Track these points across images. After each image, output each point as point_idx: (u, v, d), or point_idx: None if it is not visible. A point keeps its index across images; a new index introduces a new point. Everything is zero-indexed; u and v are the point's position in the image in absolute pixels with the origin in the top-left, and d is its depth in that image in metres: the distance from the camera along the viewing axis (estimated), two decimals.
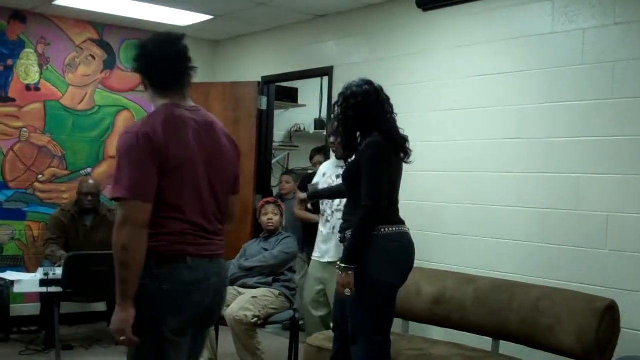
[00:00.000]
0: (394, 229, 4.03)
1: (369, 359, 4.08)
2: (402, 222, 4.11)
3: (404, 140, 4.17)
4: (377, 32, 6.38)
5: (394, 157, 4.12)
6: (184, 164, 2.99)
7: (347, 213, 4.19)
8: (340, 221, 4.36)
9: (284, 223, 6.41)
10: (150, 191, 2.91)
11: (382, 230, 3.96)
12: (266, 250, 5.92)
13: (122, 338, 2.98)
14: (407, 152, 4.17)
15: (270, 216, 6.02)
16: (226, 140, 3.26)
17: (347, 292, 3.91)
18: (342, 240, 4.20)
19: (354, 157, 4.18)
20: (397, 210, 4.12)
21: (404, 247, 4.10)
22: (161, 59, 3.13)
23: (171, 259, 3.00)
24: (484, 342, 4.89)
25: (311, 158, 7.95)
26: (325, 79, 7.08)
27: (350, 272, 3.90)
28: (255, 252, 5.97)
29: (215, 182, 3.14)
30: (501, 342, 4.77)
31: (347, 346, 4.18)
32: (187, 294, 3.03)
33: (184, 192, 3.01)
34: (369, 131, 4.08)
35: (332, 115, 4.35)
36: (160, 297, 2.97)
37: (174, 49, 3.16)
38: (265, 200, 6.24)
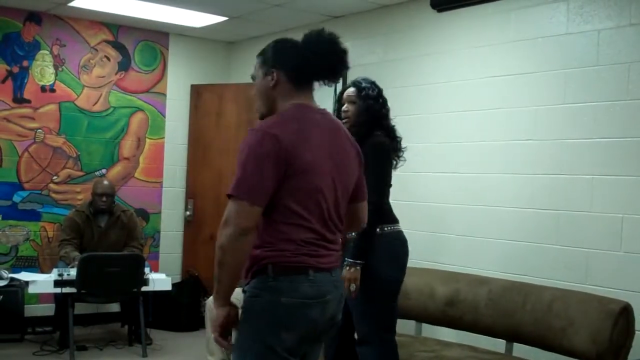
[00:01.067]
0: (394, 227, 4.25)
1: (382, 357, 4.13)
2: (398, 221, 4.31)
3: (400, 140, 4.39)
4: (392, 33, 6.37)
5: (393, 156, 4.33)
6: (311, 168, 2.80)
7: None
8: None
9: None
10: (262, 195, 2.72)
11: (385, 228, 4.16)
12: None
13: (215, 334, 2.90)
14: (401, 151, 4.41)
15: None
16: (350, 146, 3.08)
17: (353, 287, 4.02)
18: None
19: None
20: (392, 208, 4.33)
21: (404, 245, 4.31)
22: (315, 54, 2.92)
23: (291, 271, 2.79)
24: (498, 344, 4.88)
25: None
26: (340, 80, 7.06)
27: (357, 268, 4.05)
28: None
29: (338, 189, 2.94)
30: (514, 344, 4.75)
31: (345, 345, 4.28)
32: (306, 309, 2.80)
33: (307, 198, 2.81)
34: (371, 130, 4.21)
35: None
36: (276, 311, 2.77)
37: (331, 47, 2.95)
38: None
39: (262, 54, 3.03)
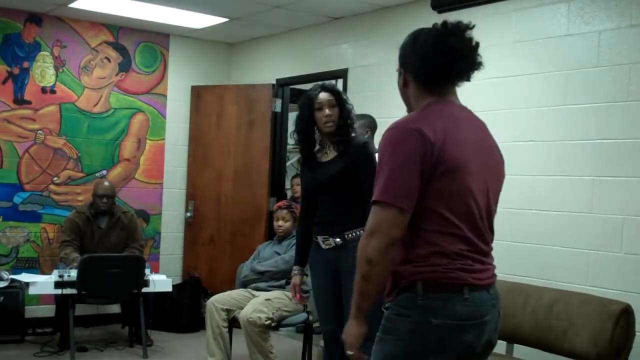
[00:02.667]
0: None
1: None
2: None
3: None
4: (392, 34, 6.36)
5: None
6: (459, 168, 2.51)
7: (341, 214, 4.28)
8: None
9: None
10: (411, 200, 2.44)
11: None
12: (278, 254, 5.93)
13: (351, 353, 2.64)
14: None
15: (281, 223, 6.00)
16: (496, 148, 2.80)
17: None
18: (342, 241, 4.29)
19: (333, 157, 4.45)
20: None
21: None
22: (441, 51, 2.61)
23: (444, 288, 2.49)
24: (498, 346, 4.83)
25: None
26: (340, 82, 7.07)
27: None
28: (268, 255, 5.99)
29: (491, 194, 2.66)
30: (515, 345, 4.75)
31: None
32: (459, 331, 2.49)
33: (458, 202, 2.52)
34: (350, 133, 4.47)
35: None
36: (426, 333, 2.47)
37: (459, 41, 2.63)
38: (278, 204, 6.21)
39: (400, 49, 2.79)
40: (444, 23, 2.67)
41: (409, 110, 2.75)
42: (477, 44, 2.64)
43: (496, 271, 2.74)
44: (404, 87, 2.74)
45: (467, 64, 2.65)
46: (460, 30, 2.64)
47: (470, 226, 2.55)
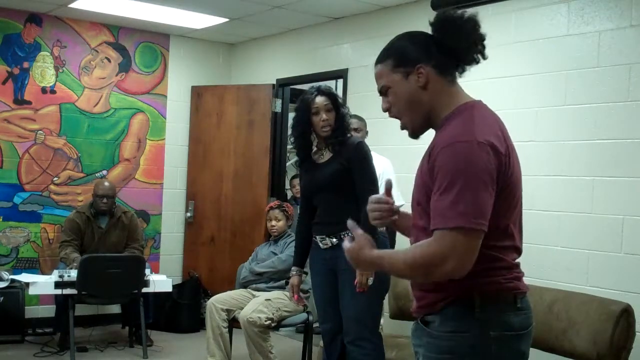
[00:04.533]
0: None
1: (377, 357, 4.27)
2: None
3: None
4: (392, 35, 6.30)
5: None
6: (518, 179, 2.39)
7: (337, 214, 4.32)
8: None
9: (291, 225, 6.38)
10: (487, 221, 2.23)
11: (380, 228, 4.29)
12: (275, 254, 5.94)
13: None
14: None
15: (274, 222, 6.03)
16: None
17: (371, 280, 4.15)
18: (338, 240, 4.33)
19: (329, 158, 4.50)
20: None
21: (393, 242, 4.59)
22: (455, 31, 2.42)
23: (500, 299, 2.36)
24: None
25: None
26: (340, 82, 7.07)
27: None
28: (265, 256, 6.00)
29: (521, 198, 2.49)
30: None
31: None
32: (515, 342, 2.37)
33: (514, 213, 2.39)
34: (346, 135, 4.54)
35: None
36: (486, 347, 2.31)
37: (465, 23, 2.43)
38: (269, 205, 6.26)
39: (389, 54, 2.50)
40: (446, 10, 2.50)
41: (422, 122, 2.50)
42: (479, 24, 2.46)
43: None
44: (423, 88, 2.43)
45: (477, 45, 2.45)
46: (462, 14, 2.46)
47: (520, 234, 2.48)
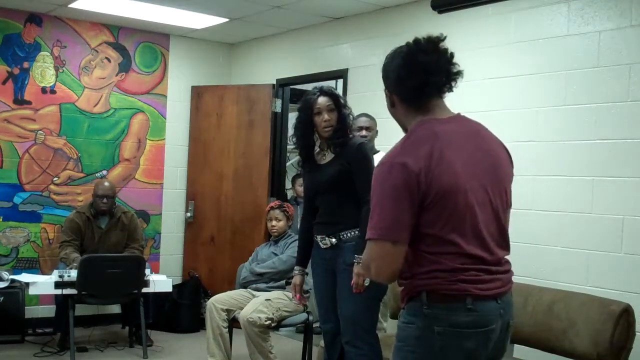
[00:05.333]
0: None
1: (374, 357, 4.28)
2: None
3: None
4: (392, 35, 6.36)
5: None
6: (451, 191, 2.55)
7: (338, 214, 4.33)
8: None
9: (291, 226, 6.38)
10: (404, 233, 2.54)
11: None
12: (276, 254, 5.93)
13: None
14: None
15: (274, 223, 6.03)
16: (498, 146, 2.85)
17: (367, 282, 4.15)
18: (338, 241, 4.33)
19: (331, 159, 4.50)
20: None
21: None
22: (412, 71, 2.65)
23: (447, 299, 2.57)
24: None
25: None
26: (340, 82, 7.07)
27: None
28: (265, 256, 6.00)
29: (495, 199, 2.68)
30: (515, 345, 4.75)
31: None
32: (460, 339, 2.58)
33: (454, 222, 2.57)
34: (348, 135, 4.53)
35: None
36: (428, 339, 2.58)
37: (429, 58, 2.64)
38: (270, 205, 6.25)
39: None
40: (415, 40, 2.68)
41: (404, 128, 2.80)
42: (452, 55, 2.69)
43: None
44: (392, 107, 2.81)
45: (443, 77, 2.68)
46: (432, 45, 2.66)
47: (474, 240, 2.61)
